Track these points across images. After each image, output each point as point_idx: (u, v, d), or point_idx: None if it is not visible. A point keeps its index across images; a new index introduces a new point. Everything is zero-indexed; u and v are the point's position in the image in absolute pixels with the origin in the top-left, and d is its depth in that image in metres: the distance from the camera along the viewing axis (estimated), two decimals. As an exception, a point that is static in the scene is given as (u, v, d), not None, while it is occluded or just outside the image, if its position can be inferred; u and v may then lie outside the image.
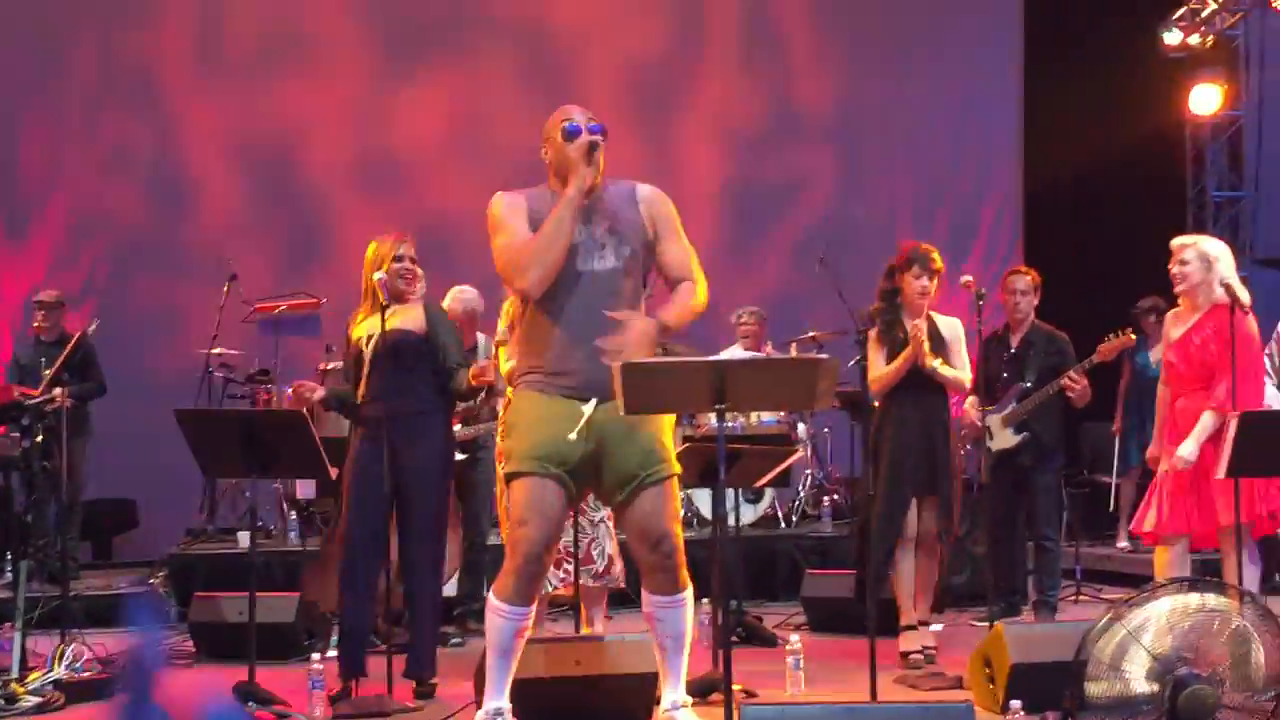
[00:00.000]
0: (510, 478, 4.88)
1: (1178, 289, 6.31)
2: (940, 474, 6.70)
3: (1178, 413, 6.27)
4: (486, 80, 11.90)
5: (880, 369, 6.63)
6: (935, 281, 6.70)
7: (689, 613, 4.98)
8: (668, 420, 4.99)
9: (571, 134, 4.84)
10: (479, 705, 5.14)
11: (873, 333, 6.64)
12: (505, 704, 4.93)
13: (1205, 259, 6.23)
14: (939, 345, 6.73)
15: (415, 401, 6.03)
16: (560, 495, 4.83)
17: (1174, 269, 6.29)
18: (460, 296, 7.66)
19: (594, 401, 4.74)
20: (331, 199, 11.58)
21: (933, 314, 6.80)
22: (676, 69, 12.40)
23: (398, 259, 6.08)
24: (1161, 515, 6.24)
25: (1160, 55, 12.13)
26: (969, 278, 6.94)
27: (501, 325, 6.57)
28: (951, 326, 6.86)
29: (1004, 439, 7.34)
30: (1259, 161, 12.45)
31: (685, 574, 4.93)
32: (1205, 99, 12.13)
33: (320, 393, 6.22)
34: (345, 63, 11.78)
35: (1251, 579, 6.02)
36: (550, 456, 4.78)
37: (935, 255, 6.74)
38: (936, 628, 7.02)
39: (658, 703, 5.44)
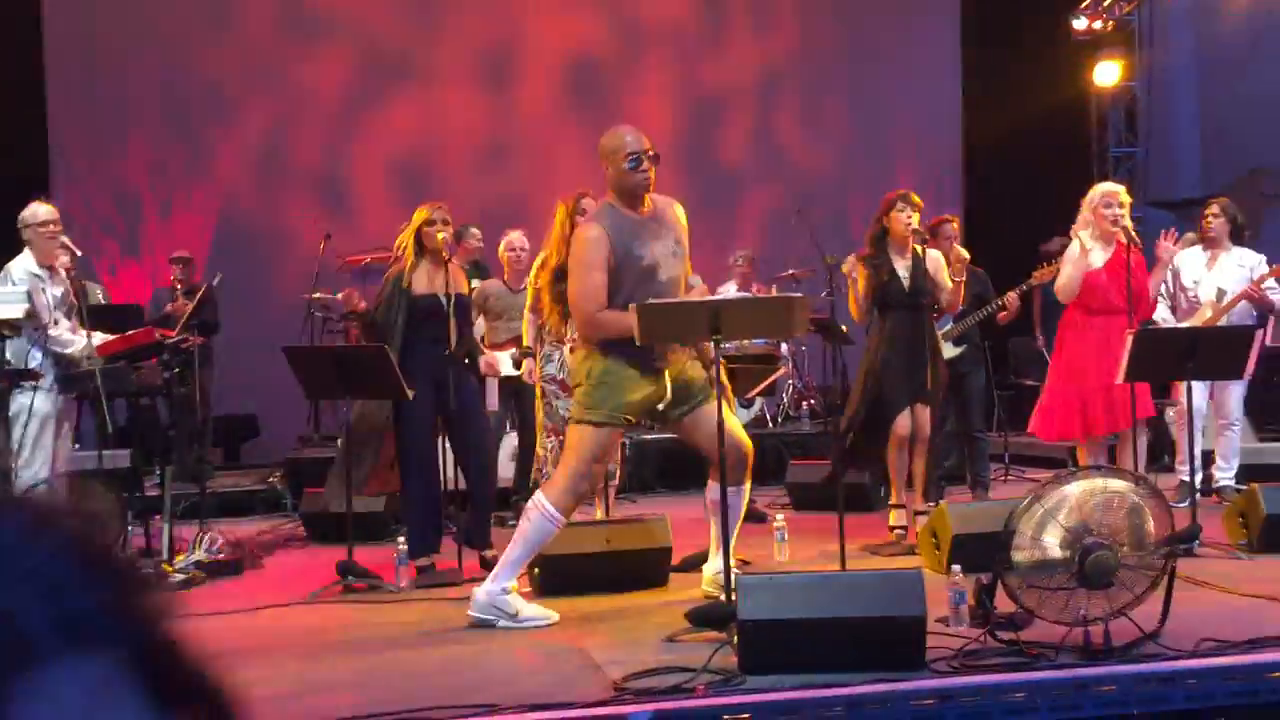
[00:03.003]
0: (595, 422, 4.74)
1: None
2: (930, 381, 6.35)
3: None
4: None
5: (861, 302, 6.39)
6: (918, 215, 6.39)
7: (742, 501, 5.04)
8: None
9: (633, 168, 4.74)
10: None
11: (860, 270, 6.38)
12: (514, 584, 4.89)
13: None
14: (923, 275, 6.39)
15: (470, 344, 6.03)
16: (609, 437, 4.86)
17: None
18: (510, 243, 7.49)
19: (669, 372, 4.78)
20: (409, 165, 11.54)
21: (917, 248, 6.42)
22: (637, 35, 12.21)
23: (430, 222, 5.89)
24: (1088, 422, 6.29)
25: (1070, 37, 12.06)
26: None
27: (529, 295, 6.44)
28: (934, 259, 6.54)
29: (946, 351, 7.24)
30: (1149, 123, 12.40)
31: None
32: (1107, 73, 12.12)
33: (362, 306, 6.11)
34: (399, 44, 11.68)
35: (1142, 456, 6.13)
36: (629, 412, 4.78)
37: (914, 196, 6.49)
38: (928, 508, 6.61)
39: (679, 569, 5.51)
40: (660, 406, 4.77)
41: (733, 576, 4.36)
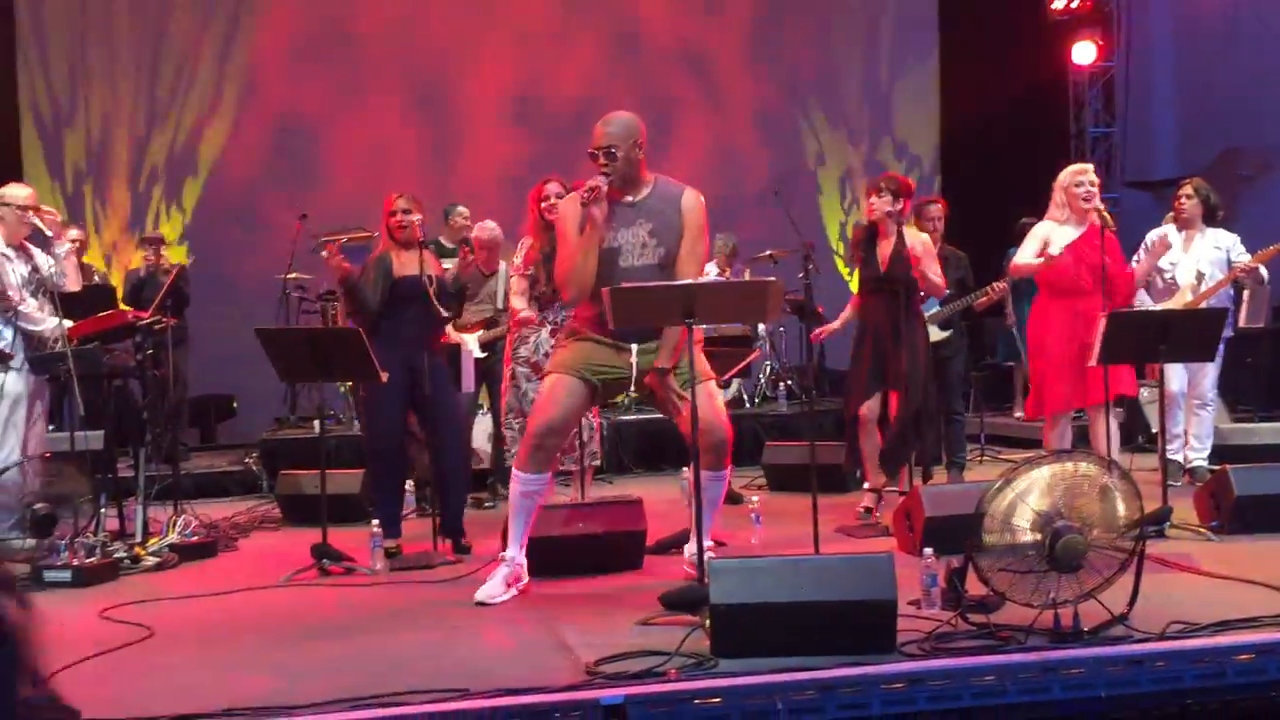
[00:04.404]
0: (548, 371, 4.96)
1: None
2: (906, 366, 6.21)
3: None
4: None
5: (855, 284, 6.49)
6: (888, 198, 6.27)
7: (724, 486, 5.06)
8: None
9: (593, 160, 4.79)
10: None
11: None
12: (514, 553, 4.96)
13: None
14: (902, 260, 6.25)
15: (428, 324, 5.95)
16: (578, 389, 4.83)
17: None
18: (483, 229, 7.53)
19: (635, 346, 4.80)
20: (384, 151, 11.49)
21: (905, 230, 6.36)
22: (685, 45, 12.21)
23: (392, 214, 5.93)
24: (1048, 397, 6.27)
25: (1048, 18, 12.05)
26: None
27: (518, 259, 6.51)
28: (923, 243, 6.41)
29: (932, 334, 7.11)
30: (1126, 103, 12.42)
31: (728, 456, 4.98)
32: (1083, 53, 12.13)
33: (347, 271, 5.98)
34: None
35: (1115, 436, 6.07)
36: (588, 372, 4.83)
37: (895, 177, 6.40)
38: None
39: (654, 550, 5.51)
40: (628, 380, 4.81)
41: (706, 560, 4.37)
